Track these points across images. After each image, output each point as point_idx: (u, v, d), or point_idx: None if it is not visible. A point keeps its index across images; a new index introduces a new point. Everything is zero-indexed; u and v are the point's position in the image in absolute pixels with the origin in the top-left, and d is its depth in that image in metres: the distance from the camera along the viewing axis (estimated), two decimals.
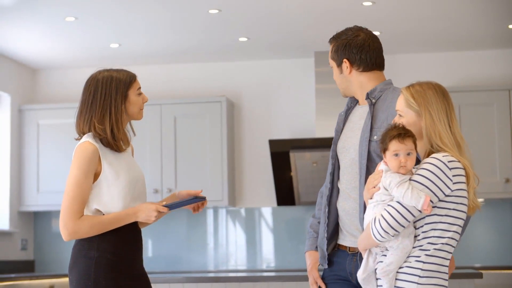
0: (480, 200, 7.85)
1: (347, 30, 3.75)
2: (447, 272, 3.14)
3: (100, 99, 3.59)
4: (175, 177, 8.00)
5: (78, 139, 3.67)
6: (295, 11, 6.74)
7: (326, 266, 3.69)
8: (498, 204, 8.02)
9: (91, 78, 3.66)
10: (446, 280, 3.14)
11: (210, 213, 8.36)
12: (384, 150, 3.18)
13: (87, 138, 3.57)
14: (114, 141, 3.58)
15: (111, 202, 3.54)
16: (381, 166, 3.21)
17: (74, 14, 6.70)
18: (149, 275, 5.29)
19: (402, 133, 3.15)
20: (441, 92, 3.25)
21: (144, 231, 7.97)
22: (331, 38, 3.77)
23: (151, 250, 8.41)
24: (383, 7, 6.64)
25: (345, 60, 3.68)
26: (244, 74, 8.43)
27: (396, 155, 3.14)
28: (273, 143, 7.98)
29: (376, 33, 7.37)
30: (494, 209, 8.03)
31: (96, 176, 3.54)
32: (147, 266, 8.19)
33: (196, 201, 3.65)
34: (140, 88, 3.70)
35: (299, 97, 8.28)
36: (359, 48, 3.68)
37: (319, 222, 3.82)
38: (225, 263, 8.29)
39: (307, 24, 7.09)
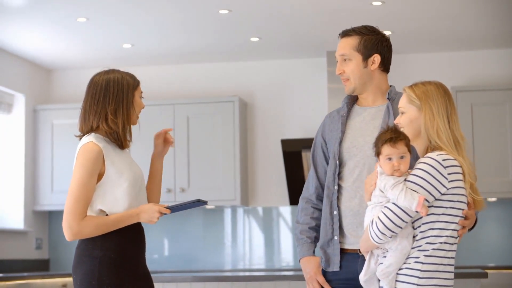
0: (493, 199, 7.90)
1: (371, 27, 3.78)
2: (449, 270, 3.13)
3: (113, 94, 3.63)
4: (188, 176, 8.04)
5: (79, 137, 3.70)
6: (305, 11, 6.75)
7: (336, 269, 3.65)
8: (511, 203, 7.99)
9: (98, 76, 3.70)
10: (449, 279, 3.13)
11: (225, 213, 8.38)
12: (378, 154, 3.21)
13: (91, 139, 3.59)
14: (124, 135, 3.63)
15: (115, 203, 3.57)
16: (378, 168, 3.23)
17: (86, 15, 6.75)
18: (159, 275, 5.34)
19: (393, 137, 3.18)
20: (442, 89, 3.30)
21: (160, 231, 8.13)
22: (355, 31, 3.76)
23: (167, 249, 8.45)
24: (393, 6, 6.64)
25: (377, 55, 3.71)
26: (257, 74, 8.45)
27: (389, 159, 3.16)
28: (285, 143, 8.00)
29: (387, 32, 7.37)
30: (507, 208, 8.00)
31: (99, 176, 3.57)
32: (164, 265, 8.28)
33: (199, 205, 3.66)
34: (142, 92, 3.76)
35: (312, 96, 8.29)
36: (389, 48, 3.78)
37: (309, 228, 3.81)
38: (240, 262, 8.31)
39: (317, 24, 7.10)
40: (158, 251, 8.43)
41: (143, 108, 3.75)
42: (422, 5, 6.66)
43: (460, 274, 4.82)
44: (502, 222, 8.00)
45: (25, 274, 6.94)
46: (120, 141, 3.64)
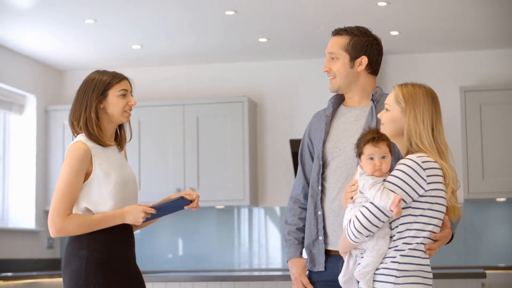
0: (502, 199, 7.88)
1: (364, 29, 3.79)
2: (426, 270, 3.15)
3: (79, 97, 3.72)
4: (198, 176, 8.08)
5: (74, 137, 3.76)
6: (310, 11, 6.77)
7: (321, 269, 3.68)
8: None
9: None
10: (426, 278, 3.15)
11: (240, 212, 8.41)
12: (360, 154, 3.23)
13: (80, 138, 3.66)
14: (91, 136, 3.66)
15: (101, 201, 3.61)
16: (358, 170, 3.26)
17: (93, 16, 6.81)
18: (164, 274, 5.37)
19: (376, 137, 3.21)
20: (430, 96, 3.28)
21: (174, 231, 8.16)
22: (346, 31, 3.78)
23: (181, 249, 8.50)
24: (398, 6, 6.64)
25: (364, 57, 3.72)
26: (266, 74, 8.47)
27: (371, 158, 3.19)
28: (294, 143, 8.02)
29: (394, 33, 7.39)
30: None
31: (87, 175, 3.61)
32: (177, 265, 8.30)
33: (184, 203, 3.68)
34: (125, 89, 3.75)
35: (320, 96, 8.21)
36: (379, 51, 3.78)
37: (297, 229, 3.84)
38: (254, 262, 8.33)
39: (323, 24, 7.11)
40: (173, 251, 8.48)
41: (132, 105, 3.76)
42: (428, 4, 6.66)
43: (458, 274, 4.84)
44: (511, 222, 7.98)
45: (34, 273, 7.00)
46: (100, 141, 3.68)
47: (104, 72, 3.77)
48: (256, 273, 5.81)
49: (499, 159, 7.64)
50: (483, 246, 7.92)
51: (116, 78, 3.75)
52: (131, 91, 3.81)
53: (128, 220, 3.62)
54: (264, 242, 8.35)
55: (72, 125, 3.72)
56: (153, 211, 3.62)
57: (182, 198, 3.64)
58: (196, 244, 8.41)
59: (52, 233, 3.59)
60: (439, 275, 4.86)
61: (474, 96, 7.71)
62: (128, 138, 3.89)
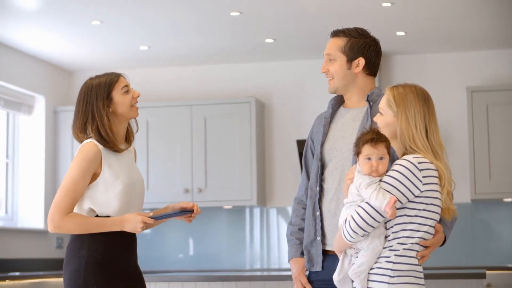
0: (508, 199, 7.85)
1: (362, 30, 3.81)
2: (420, 270, 3.17)
3: (82, 107, 3.69)
4: (205, 177, 8.10)
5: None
6: (316, 12, 6.78)
7: (319, 269, 3.71)
8: None
9: (84, 83, 3.77)
10: (420, 278, 3.17)
11: (253, 212, 8.42)
12: (358, 153, 3.24)
13: (92, 139, 3.66)
14: (106, 143, 3.66)
15: (106, 203, 3.63)
16: (356, 167, 3.27)
17: (99, 18, 6.85)
18: (167, 274, 5.39)
19: (375, 137, 3.21)
20: (422, 97, 3.27)
21: (184, 231, 8.19)
22: (344, 32, 3.80)
23: (192, 249, 8.52)
24: (402, 7, 6.65)
25: (361, 58, 3.74)
26: (273, 74, 8.49)
27: (369, 159, 3.20)
28: (301, 143, 8.03)
29: (400, 33, 7.39)
30: None
31: (95, 176, 3.63)
32: (188, 265, 8.31)
33: (183, 214, 3.71)
34: (126, 86, 3.75)
35: (327, 97, 8.24)
36: (377, 52, 3.79)
37: (299, 229, 3.86)
38: (264, 262, 8.34)
39: (328, 24, 7.09)
40: (183, 251, 8.51)
41: (136, 97, 3.76)
42: (432, 5, 6.65)
43: (458, 275, 4.84)
44: None
45: (41, 273, 7.04)
46: (115, 146, 3.69)
47: (99, 76, 3.76)
48: (265, 273, 5.84)
49: (506, 159, 7.62)
50: (490, 246, 7.90)
51: (113, 78, 3.74)
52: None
53: (127, 228, 3.63)
54: (276, 242, 8.37)
55: (77, 136, 3.71)
56: (151, 221, 3.64)
57: (182, 211, 3.67)
58: (206, 244, 8.44)
59: (50, 229, 3.63)
60: (439, 275, 4.87)
61: (481, 96, 7.70)
62: (134, 129, 3.88)
